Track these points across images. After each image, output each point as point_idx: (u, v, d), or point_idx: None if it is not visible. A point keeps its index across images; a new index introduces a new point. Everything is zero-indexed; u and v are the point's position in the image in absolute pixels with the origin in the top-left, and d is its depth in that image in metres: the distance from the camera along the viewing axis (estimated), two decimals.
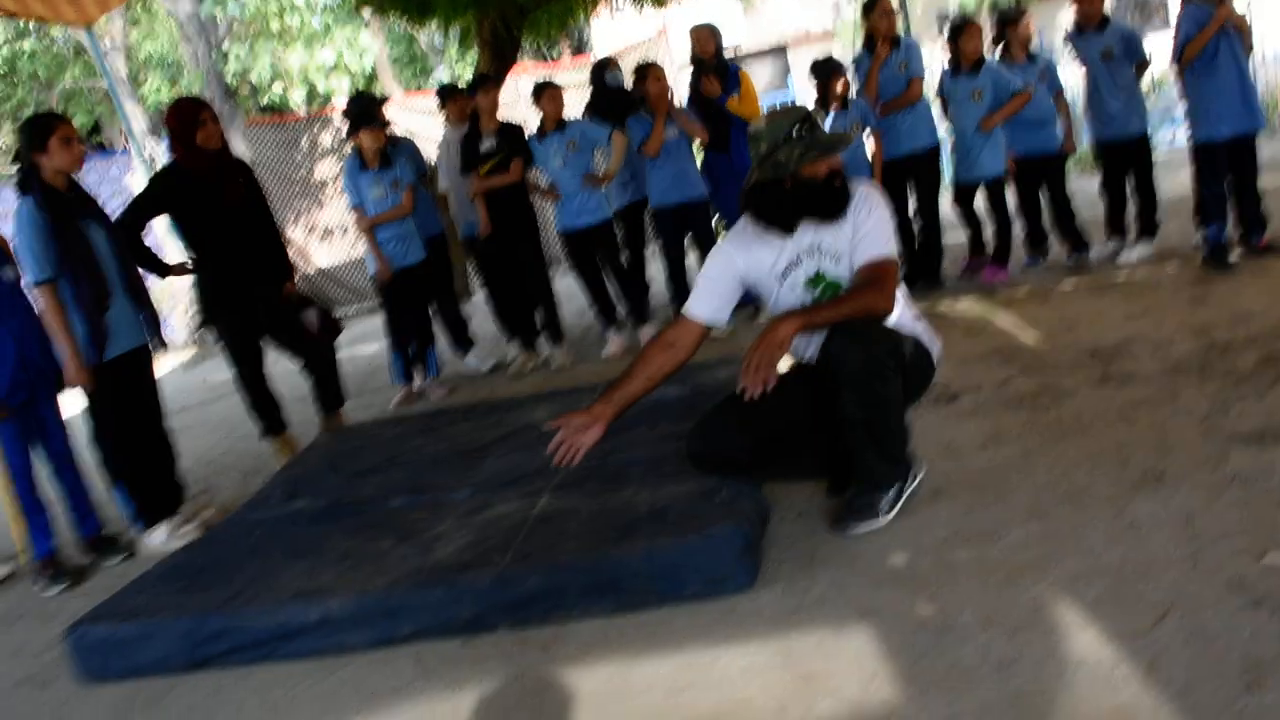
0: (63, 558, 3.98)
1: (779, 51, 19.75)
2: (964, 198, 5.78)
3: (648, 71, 5.64)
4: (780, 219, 2.83)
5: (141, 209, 4.38)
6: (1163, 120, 8.81)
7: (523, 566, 2.67)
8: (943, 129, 5.90)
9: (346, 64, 15.69)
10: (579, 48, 17.06)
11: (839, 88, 5.57)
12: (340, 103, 13.17)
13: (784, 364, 2.69)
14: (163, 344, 4.24)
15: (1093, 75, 5.44)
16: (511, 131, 5.69)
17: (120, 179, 10.32)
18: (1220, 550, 2.27)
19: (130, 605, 2.96)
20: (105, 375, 3.81)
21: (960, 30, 5.50)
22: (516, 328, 6.10)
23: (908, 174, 5.72)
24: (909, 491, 2.83)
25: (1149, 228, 5.51)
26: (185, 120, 4.31)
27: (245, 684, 2.66)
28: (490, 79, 5.91)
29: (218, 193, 4.37)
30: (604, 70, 6.35)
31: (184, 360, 9.78)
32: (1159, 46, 5.74)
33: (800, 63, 18.13)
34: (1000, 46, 5.69)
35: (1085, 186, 6.41)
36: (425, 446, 3.99)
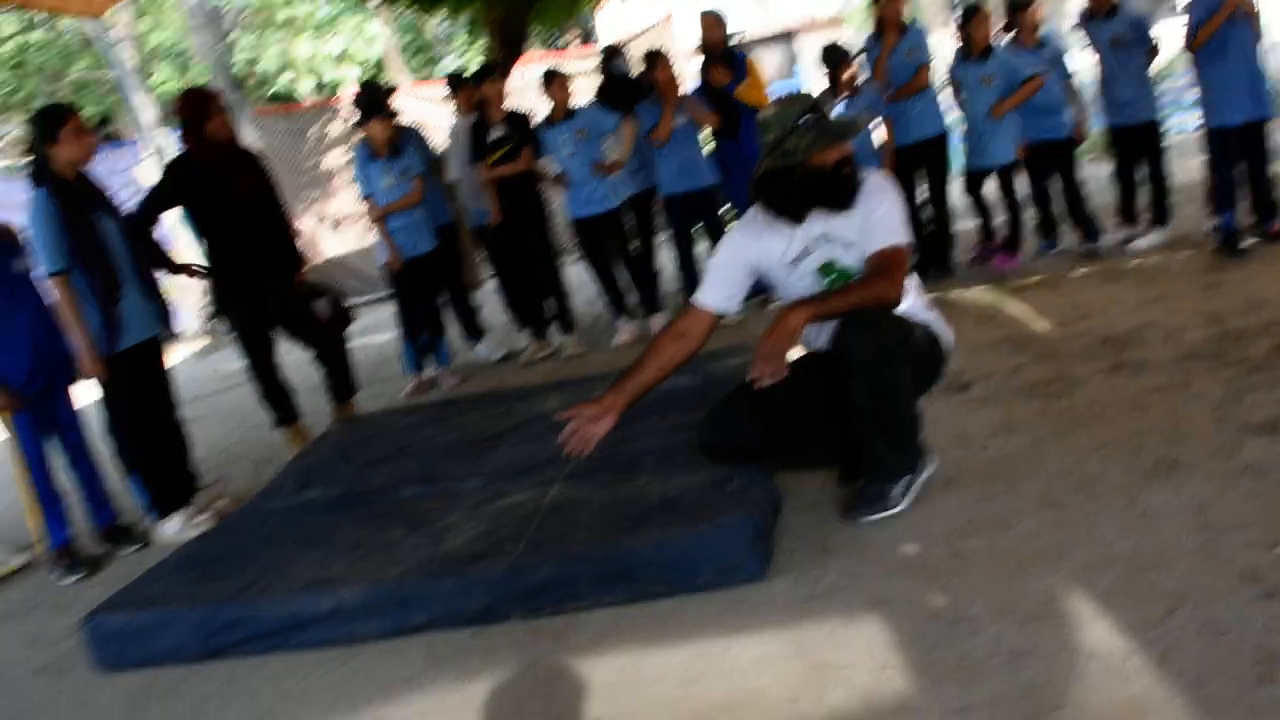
0: (78, 547, 4.01)
1: (786, 37, 19.67)
2: (974, 185, 5.76)
3: (656, 59, 5.63)
4: (789, 208, 2.82)
5: (155, 204, 4.39)
6: (1173, 106, 8.75)
7: (534, 556, 2.68)
8: (952, 116, 5.87)
9: (354, 53, 15.69)
10: (586, 36, 17.01)
11: (848, 75, 5.55)
12: (348, 92, 13.17)
13: (794, 353, 2.69)
14: (174, 334, 4.25)
15: (1104, 62, 5.41)
16: (520, 120, 5.69)
17: (129, 170, 10.33)
18: (1233, 541, 2.26)
19: (145, 595, 2.98)
20: (119, 366, 3.83)
21: (970, 16, 5.47)
22: (527, 317, 6.10)
23: (917, 161, 5.70)
24: (920, 481, 2.83)
25: (1161, 215, 5.49)
26: (194, 111, 4.32)
27: (259, 673, 2.68)
28: (497, 68, 5.91)
29: (228, 184, 4.38)
30: (611, 58, 6.32)
31: (196, 350, 9.82)
32: (1170, 32, 5.71)
33: (808, 49, 18.07)
34: (1010, 32, 5.66)
35: (1097, 173, 6.38)
36: (436, 436, 4.00)
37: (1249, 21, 4.68)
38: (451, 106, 6.27)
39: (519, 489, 3.20)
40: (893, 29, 5.60)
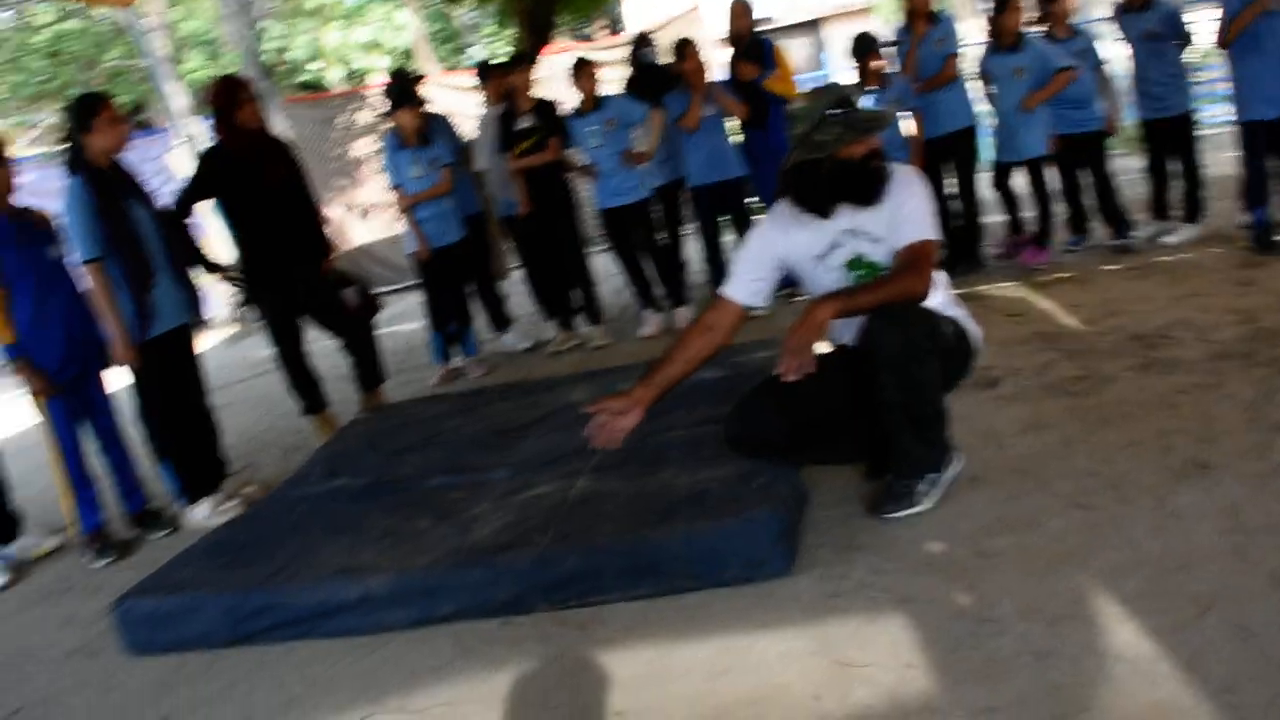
0: (110, 531, 4.06)
1: (813, 25, 19.56)
2: (1002, 178, 5.71)
3: (684, 49, 5.61)
4: (817, 202, 2.81)
5: (191, 195, 4.44)
6: (1207, 98, 8.64)
7: (562, 548, 2.69)
8: (980, 107, 5.82)
9: (383, 41, 15.73)
10: (614, 25, 16.99)
11: (877, 66, 5.51)
12: (376, 80, 13.21)
13: (822, 347, 2.68)
14: (205, 322, 4.29)
15: (1137, 55, 5.35)
16: (548, 110, 5.69)
17: (160, 157, 10.41)
18: (1265, 543, 2.24)
19: (175, 580, 3.03)
20: (150, 353, 3.87)
21: (1003, 6, 5.40)
22: (554, 307, 6.12)
23: (946, 154, 5.65)
24: (947, 478, 2.82)
25: (1193, 211, 5.42)
26: (225, 99, 4.36)
27: (287, 660, 2.71)
28: (525, 57, 5.91)
29: (258, 172, 4.41)
30: (640, 47, 6.30)
31: (225, 337, 9.90)
32: (1205, 24, 5.63)
33: (835, 39, 17.96)
34: (1042, 23, 5.60)
35: (1129, 166, 6.31)
36: (464, 426, 4.02)
37: None
38: (480, 96, 6.28)
39: (546, 480, 3.22)
40: (921, 19, 5.56)
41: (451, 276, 5.72)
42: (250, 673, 2.69)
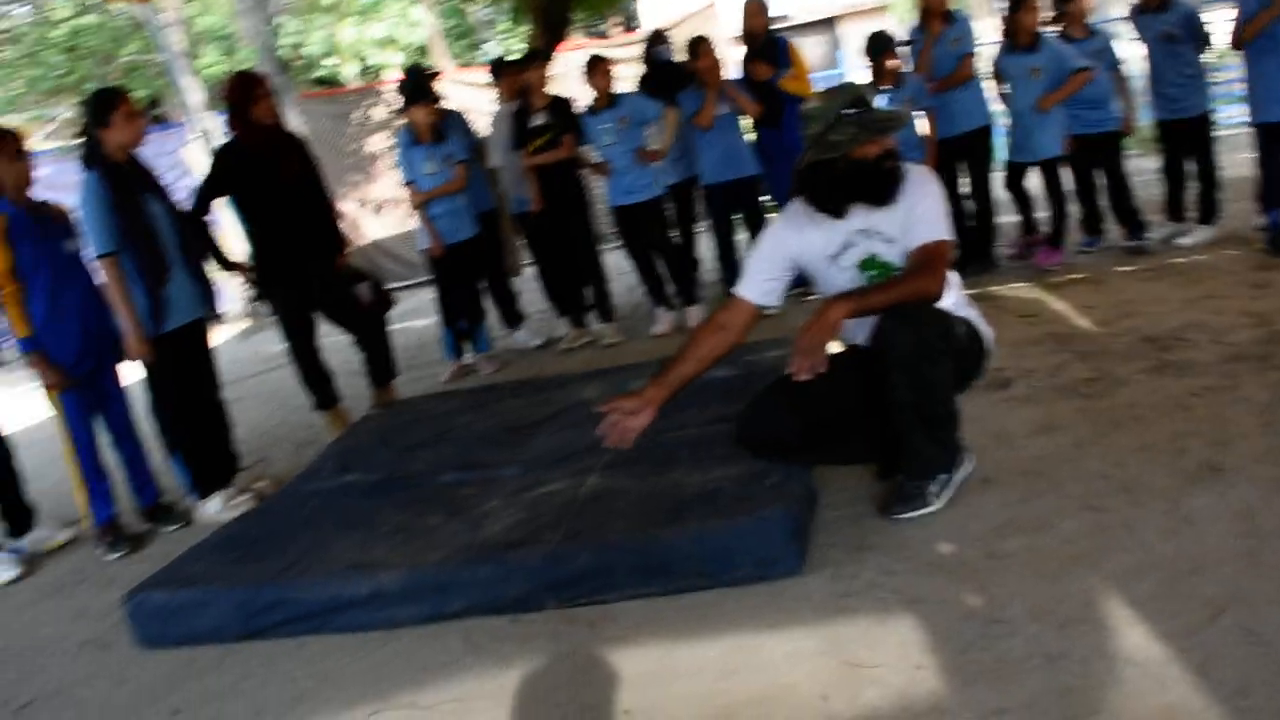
0: (122, 524, 4.08)
1: (828, 23, 19.51)
2: (1015, 178, 5.69)
3: (699, 46, 5.60)
4: (831, 202, 2.81)
5: (208, 193, 4.46)
6: (1224, 98, 8.58)
7: (572, 545, 2.70)
8: (994, 107, 5.79)
9: (398, 38, 15.75)
10: (628, 23, 16.99)
11: (892, 64, 5.49)
12: (392, 76, 13.23)
13: (834, 346, 2.68)
14: (219, 316, 4.31)
15: (1153, 56, 5.32)
16: (562, 107, 5.69)
17: (176, 152, 10.46)
18: (1278, 547, 2.23)
19: (186, 574, 3.04)
20: (164, 347, 3.89)
21: (1019, 5, 5.37)
22: (566, 304, 6.12)
23: (960, 154, 5.62)
24: (959, 479, 2.81)
25: (1209, 212, 5.39)
26: (241, 95, 4.37)
27: (297, 655, 2.72)
28: (540, 55, 5.91)
29: (273, 167, 4.42)
30: (654, 44, 6.30)
31: (238, 331, 9.94)
32: (1221, 24, 5.60)
33: (850, 37, 17.91)
34: (1058, 22, 5.57)
35: (1144, 167, 6.27)
36: (475, 423, 4.03)
37: None
38: (494, 93, 6.28)
39: (557, 477, 3.22)
40: (937, 18, 5.53)
41: (464, 273, 5.72)
42: (260, 667, 2.70)
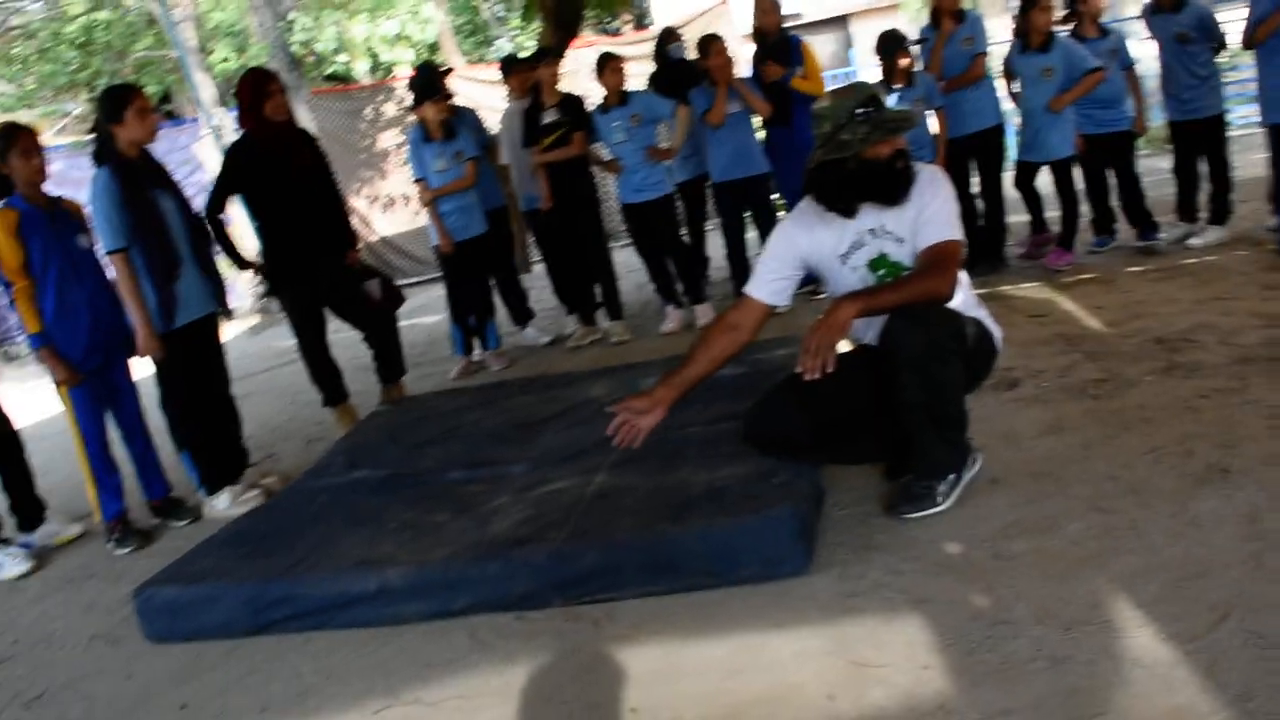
0: (132, 519, 4.10)
1: (840, 21, 19.47)
2: (1025, 178, 5.67)
3: (711, 44, 5.60)
4: (842, 201, 2.80)
5: (222, 191, 4.48)
6: (1237, 99, 8.55)
7: (579, 543, 2.70)
8: (1005, 106, 5.77)
9: (409, 34, 15.76)
10: (640, 20, 16.96)
11: (904, 63, 5.48)
12: (403, 73, 13.25)
13: (843, 346, 2.68)
14: (229, 312, 4.33)
15: (1166, 56, 5.30)
16: (573, 104, 5.69)
17: (188, 147, 10.50)
18: None
19: (195, 569, 3.05)
20: (174, 343, 3.90)
21: (1032, 4, 5.34)
22: (575, 301, 6.13)
23: (971, 153, 5.61)
24: (966, 479, 2.81)
25: (1220, 213, 5.37)
26: (253, 91, 4.39)
27: (303, 650, 2.73)
28: (551, 52, 5.91)
29: (285, 164, 4.44)
30: (666, 42, 6.30)
31: (248, 327, 9.97)
32: (1234, 24, 5.57)
33: (863, 35, 17.87)
34: (1070, 21, 5.54)
35: (1156, 166, 6.25)
36: (484, 420, 4.04)
37: None
38: (505, 90, 6.29)
39: (564, 475, 3.22)
40: (948, 17, 5.52)
41: (474, 270, 5.73)
42: (266, 662, 2.71)
